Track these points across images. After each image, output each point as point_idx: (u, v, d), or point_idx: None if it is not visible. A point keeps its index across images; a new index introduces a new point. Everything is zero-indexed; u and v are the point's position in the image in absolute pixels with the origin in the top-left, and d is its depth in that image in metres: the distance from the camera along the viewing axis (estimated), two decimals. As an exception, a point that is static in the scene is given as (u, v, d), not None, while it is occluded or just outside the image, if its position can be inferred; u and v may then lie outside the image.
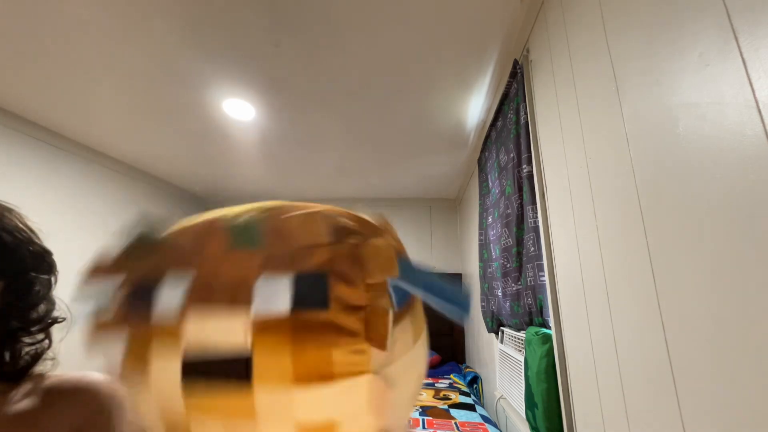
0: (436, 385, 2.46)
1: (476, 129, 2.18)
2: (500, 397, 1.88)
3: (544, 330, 1.17)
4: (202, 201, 3.93)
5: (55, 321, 0.47)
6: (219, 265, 0.22)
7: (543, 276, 1.18)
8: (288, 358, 0.20)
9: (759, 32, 0.42)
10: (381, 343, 0.21)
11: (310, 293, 0.21)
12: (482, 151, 2.09)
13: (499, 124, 1.70)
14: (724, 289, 0.46)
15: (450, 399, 2.13)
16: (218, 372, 0.20)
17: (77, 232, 2.47)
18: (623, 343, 0.72)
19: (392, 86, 1.77)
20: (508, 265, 1.49)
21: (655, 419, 0.62)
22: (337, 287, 0.21)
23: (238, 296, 0.21)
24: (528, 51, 1.32)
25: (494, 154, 1.77)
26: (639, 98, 0.65)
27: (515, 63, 1.38)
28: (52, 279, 0.47)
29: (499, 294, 1.65)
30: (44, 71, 1.69)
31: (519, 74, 1.36)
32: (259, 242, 0.22)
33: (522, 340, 1.48)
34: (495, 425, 1.78)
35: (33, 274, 0.44)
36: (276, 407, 0.20)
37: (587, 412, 0.89)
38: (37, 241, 0.45)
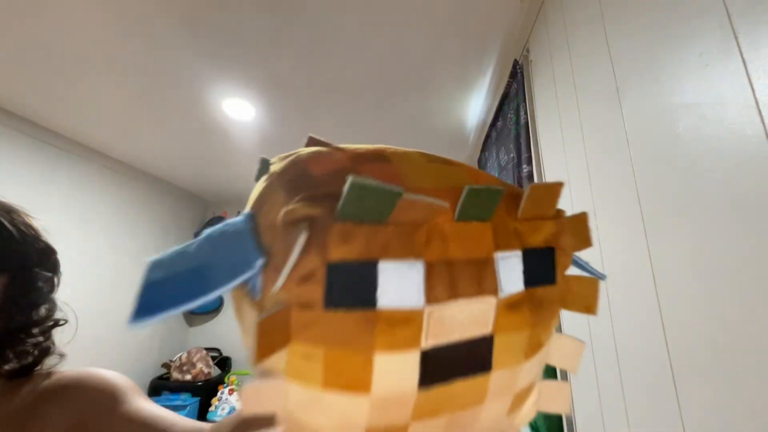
0: (436, 385, 2.46)
1: (476, 129, 2.18)
2: (500, 397, 1.88)
3: (544, 330, 1.17)
4: (202, 201, 3.93)
5: (57, 323, 0.46)
6: (451, 243, 0.18)
7: (543, 276, 1.17)
8: (527, 338, 0.19)
9: (759, 32, 0.42)
10: (591, 309, 0.21)
11: (540, 269, 0.20)
12: (482, 151, 2.09)
13: (499, 124, 1.70)
14: (724, 289, 0.46)
15: (450, 399, 2.13)
16: (459, 370, 0.18)
17: (77, 232, 2.47)
18: (623, 343, 0.72)
19: (392, 86, 1.77)
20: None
21: (655, 419, 0.62)
22: (560, 259, 0.21)
23: (485, 278, 0.18)
24: (528, 51, 1.32)
25: (494, 154, 1.77)
26: (639, 98, 0.65)
27: (515, 63, 1.38)
28: (55, 279, 0.47)
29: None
30: (44, 71, 1.69)
31: (519, 74, 1.36)
32: (491, 214, 0.19)
33: (522, 340, 1.47)
34: (495, 425, 1.77)
35: (37, 270, 0.44)
36: (505, 386, 0.19)
37: (587, 412, 0.89)
38: (42, 238, 0.45)
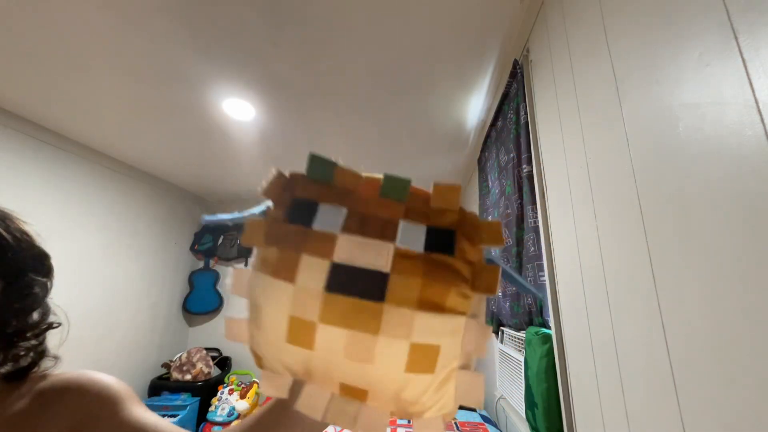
0: (436, 385, 2.46)
1: (476, 129, 2.18)
2: (500, 397, 1.88)
3: (544, 330, 1.17)
4: (203, 201, 3.93)
5: (51, 326, 0.47)
6: (369, 206, 0.28)
7: (543, 276, 1.18)
8: (418, 286, 0.25)
9: (759, 32, 0.42)
10: (491, 290, 0.26)
11: (441, 242, 0.26)
12: (482, 151, 2.09)
13: (499, 124, 1.70)
14: (724, 289, 0.46)
15: (450, 399, 2.13)
16: (357, 288, 0.24)
17: (77, 233, 2.47)
18: (623, 343, 0.72)
19: (392, 86, 1.77)
20: (508, 265, 1.49)
21: (655, 419, 0.62)
22: (461, 242, 0.27)
23: (386, 231, 0.26)
24: (528, 51, 1.32)
25: (494, 154, 1.77)
26: (639, 98, 0.65)
27: (515, 63, 1.38)
28: (49, 283, 0.47)
29: (499, 294, 1.65)
30: (45, 72, 1.69)
31: (519, 74, 1.36)
32: (405, 197, 0.28)
33: (522, 340, 1.48)
34: (495, 425, 1.78)
35: (32, 276, 0.44)
36: (398, 327, 0.24)
37: (587, 412, 0.89)
38: (37, 244, 0.46)
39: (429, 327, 0.24)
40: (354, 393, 0.25)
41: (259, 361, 0.29)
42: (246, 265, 3.78)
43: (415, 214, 0.27)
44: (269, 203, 0.29)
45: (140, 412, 0.45)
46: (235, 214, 0.31)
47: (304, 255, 0.25)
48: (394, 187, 0.28)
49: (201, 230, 3.81)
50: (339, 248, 0.25)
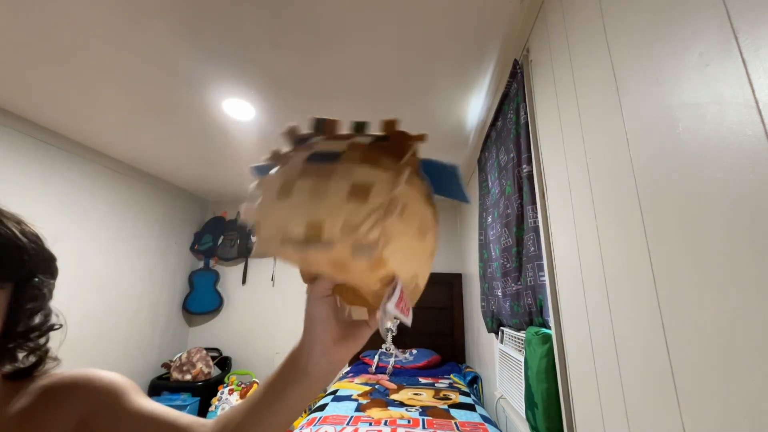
0: (436, 385, 2.46)
1: (476, 129, 2.18)
2: (500, 397, 1.88)
3: (544, 330, 1.17)
4: (203, 201, 3.93)
5: (52, 327, 0.48)
6: (341, 133, 0.40)
7: (543, 276, 1.18)
8: (360, 151, 0.36)
9: (759, 32, 0.42)
10: (412, 164, 0.38)
11: (382, 138, 0.39)
12: (482, 151, 2.09)
13: (499, 124, 1.70)
14: (724, 289, 0.46)
15: (450, 399, 2.13)
16: (322, 158, 0.36)
17: (77, 232, 2.47)
18: (623, 343, 0.72)
19: (392, 86, 1.77)
20: (508, 265, 1.49)
21: (655, 419, 0.62)
22: (395, 140, 0.38)
23: (346, 137, 0.39)
24: (528, 51, 1.32)
25: (494, 154, 1.77)
26: (639, 98, 0.65)
27: (515, 63, 1.38)
28: (53, 286, 0.48)
29: (499, 294, 1.65)
30: (44, 71, 1.69)
31: (519, 74, 1.36)
32: (366, 130, 0.40)
33: (522, 340, 1.48)
34: (495, 425, 1.78)
35: (41, 278, 0.46)
36: (344, 173, 0.34)
37: (587, 412, 0.89)
38: (46, 247, 0.47)
39: (365, 173, 0.34)
40: (315, 227, 0.33)
41: (258, 229, 0.38)
42: (246, 265, 3.79)
43: (371, 135, 0.40)
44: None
45: (147, 401, 0.47)
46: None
47: (299, 151, 0.39)
48: (359, 128, 0.41)
49: (201, 230, 3.81)
50: (316, 145, 0.38)
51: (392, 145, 0.38)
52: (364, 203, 0.33)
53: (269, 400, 0.40)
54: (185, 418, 0.46)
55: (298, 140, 0.41)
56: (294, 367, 0.40)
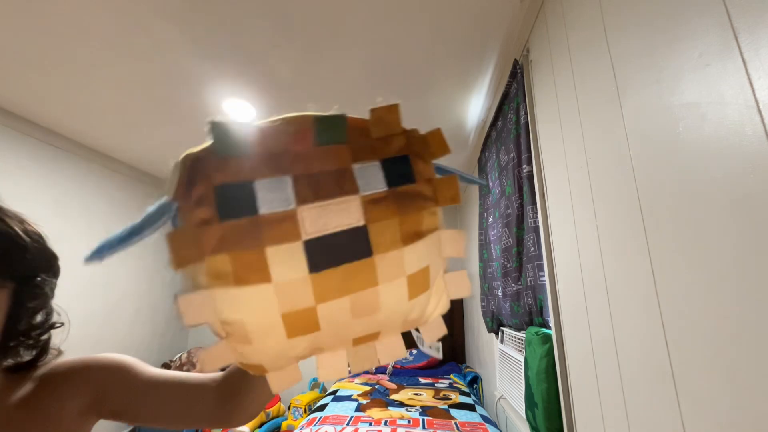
0: (436, 385, 2.46)
1: (476, 129, 2.18)
2: (500, 397, 1.88)
3: (544, 330, 1.17)
4: (202, 201, 3.92)
5: (53, 326, 0.48)
6: (312, 162, 0.24)
7: (543, 276, 1.18)
8: (396, 225, 0.24)
9: (759, 32, 0.42)
10: (455, 200, 0.27)
11: (399, 172, 0.26)
12: (482, 151, 2.09)
13: (499, 124, 1.70)
14: (724, 289, 0.46)
15: (450, 399, 2.13)
16: (342, 255, 0.23)
17: (78, 233, 2.47)
18: (623, 343, 0.72)
19: (392, 86, 1.77)
20: (508, 265, 1.49)
21: (655, 419, 0.62)
22: (416, 164, 0.27)
23: (343, 183, 0.24)
24: (528, 51, 1.32)
25: (494, 154, 1.77)
26: (639, 98, 0.65)
27: (515, 63, 1.38)
28: (55, 285, 0.48)
29: (499, 294, 1.65)
30: (44, 71, 1.69)
31: (519, 74, 1.36)
32: (345, 137, 0.25)
33: (522, 340, 1.48)
34: (495, 425, 1.78)
35: (44, 277, 0.46)
36: (392, 269, 0.24)
37: (587, 412, 0.89)
38: (48, 246, 0.47)
39: (417, 255, 0.25)
40: (367, 339, 0.26)
41: (259, 369, 0.26)
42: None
43: (363, 152, 0.25)
44: (173, 203, 0.24)
45: (155, 369, 0.50)
46: (128, 227, 0.24)
47: (267, 248, 0.22)
48: (330, 130, 0.25)
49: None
50: (304, 223, 0.22)
51: (413, 189, 0.26)
52: (426, 291, 0.26)
53: None
54: (194, 377, 0.48)
55: (222, 198, 0.22)
56: (244, 378, 0.43)
